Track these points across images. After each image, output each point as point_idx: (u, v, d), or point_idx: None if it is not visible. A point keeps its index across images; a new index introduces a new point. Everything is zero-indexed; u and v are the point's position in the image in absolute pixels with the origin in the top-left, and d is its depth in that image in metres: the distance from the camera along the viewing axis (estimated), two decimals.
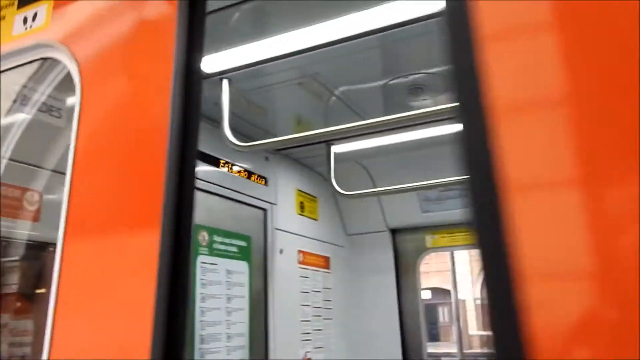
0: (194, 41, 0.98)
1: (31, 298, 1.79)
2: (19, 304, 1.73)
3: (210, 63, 2.19)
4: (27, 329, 1.68)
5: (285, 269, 3.25)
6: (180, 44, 0.98)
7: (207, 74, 2.27)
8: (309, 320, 3.43)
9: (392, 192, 3.02)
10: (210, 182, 2.75)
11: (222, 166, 2.87)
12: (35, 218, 1.86)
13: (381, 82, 2.49)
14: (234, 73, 2.26)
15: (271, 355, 2.99)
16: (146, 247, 0.92)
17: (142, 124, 1.10)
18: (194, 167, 0.92)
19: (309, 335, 3.40)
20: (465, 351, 11.07)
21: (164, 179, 0.90)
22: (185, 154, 0.93)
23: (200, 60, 1.01)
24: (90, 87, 1.23)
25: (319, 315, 3.55)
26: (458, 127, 0.77)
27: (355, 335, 3.85)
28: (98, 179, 1.11)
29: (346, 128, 2.04)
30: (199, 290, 2.61)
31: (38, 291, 1.84)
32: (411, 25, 1.94)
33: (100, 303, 0.99)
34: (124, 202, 1.03)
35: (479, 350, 10.89)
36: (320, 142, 3.14)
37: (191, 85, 0.97)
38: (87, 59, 1.28)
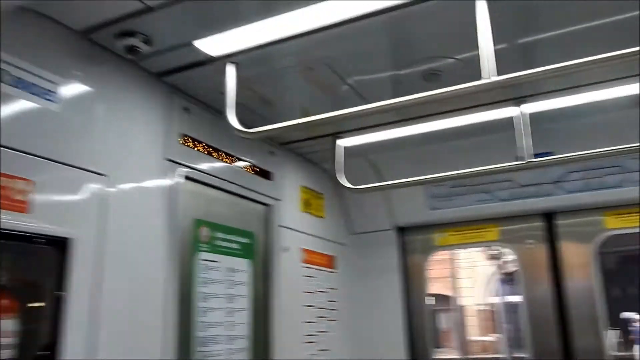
0: None
1: None
2: None
3: (215, 44, 2.06)
4: None
5: (288, 267, 3.12)
6: None
7: (212, 56, 2.15)
8: (313, 322, 3.29)
9: (403, 186, 2.89)
10: (212, 175, 2.62)
11: (225, 159, 2.74)
12: None
13: (395, 71, 2.38)
14: (239, 57, 2.13)
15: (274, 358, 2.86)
16: None
17: None
18: None
19: (312, 337, 3.26)
20: (467, 357, 10.94)
21: None
22: None
23: None
24: None
25: (324, 317, 3.41)
26: None
27: (361, 338, 3.71)
28: None
29: (357, 111, 1.92)
30: (199, 289, 2.47)
31: None
32: (424, 4, 1.83)
33: None
34: None
35: (480, 356, 10.77)
36: (327, 136, 3.02)
37: None
38: None
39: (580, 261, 3.34)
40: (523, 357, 3.52)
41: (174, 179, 2.37)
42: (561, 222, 3.44)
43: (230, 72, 2.15)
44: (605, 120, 2.86)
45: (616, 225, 3.28)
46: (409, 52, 2.24)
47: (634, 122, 2.69)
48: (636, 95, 2.51)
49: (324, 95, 2.62)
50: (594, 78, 2.38)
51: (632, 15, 1.97)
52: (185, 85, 2.42)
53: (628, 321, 9.86)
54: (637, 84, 2.42)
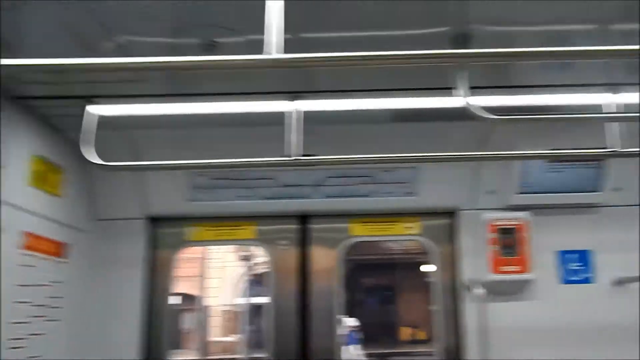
0: None
1: None
2: None
3: None
4: None
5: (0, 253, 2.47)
6: None
7: None
8: (24, 322, 2.65)
9: (160, 169, 2.58)
10: None
11: None
12: None
13: (172, 37, 2.11)
14: None
15: None
16: None
17: None
18: None
19: (22, 341, 2.62)
20: (205, 357, 10.85)
21: None
22: None
23: None
24: None
25: (42, 316, 2.80)
26: None
27: (88, 339, 3.18)
28: None
29: (113, 64, 1.59)
30: None
31: None
32: None
33: None
34: None
35: (218, 356, 10.79)
36: (78, 98, 2.51)
37: None
38: None
39: (326, 265, 3.49)
40: (261, 357, 3.51)
41: None
42: (314, 226, 3.55)
43: None
44: (367, 130, 3.02)
45: (360, 232, 3.54)
46: (190, 16, 1.98)
47: (390, 136, 2.91)
48: (393, 110, 2.72)
49: (83, 48, 2.15)
50: (366, 85, 2.47)
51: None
52: None
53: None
54: (395, 99, 2.61)
